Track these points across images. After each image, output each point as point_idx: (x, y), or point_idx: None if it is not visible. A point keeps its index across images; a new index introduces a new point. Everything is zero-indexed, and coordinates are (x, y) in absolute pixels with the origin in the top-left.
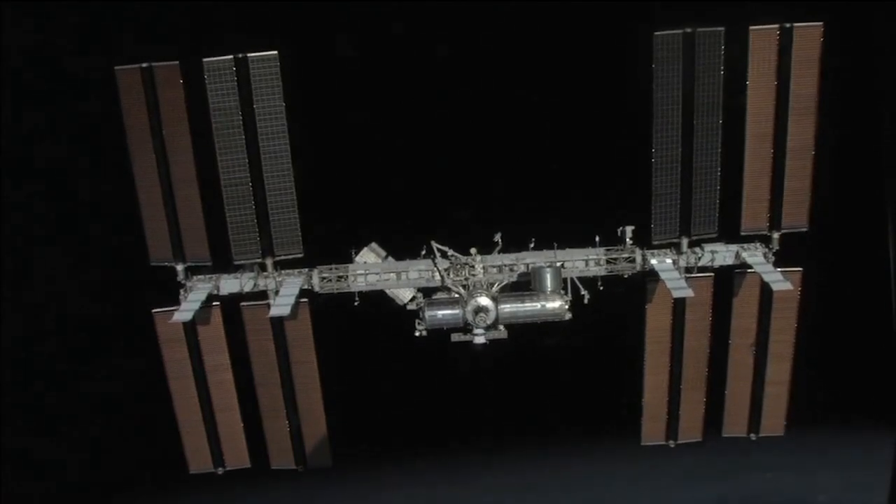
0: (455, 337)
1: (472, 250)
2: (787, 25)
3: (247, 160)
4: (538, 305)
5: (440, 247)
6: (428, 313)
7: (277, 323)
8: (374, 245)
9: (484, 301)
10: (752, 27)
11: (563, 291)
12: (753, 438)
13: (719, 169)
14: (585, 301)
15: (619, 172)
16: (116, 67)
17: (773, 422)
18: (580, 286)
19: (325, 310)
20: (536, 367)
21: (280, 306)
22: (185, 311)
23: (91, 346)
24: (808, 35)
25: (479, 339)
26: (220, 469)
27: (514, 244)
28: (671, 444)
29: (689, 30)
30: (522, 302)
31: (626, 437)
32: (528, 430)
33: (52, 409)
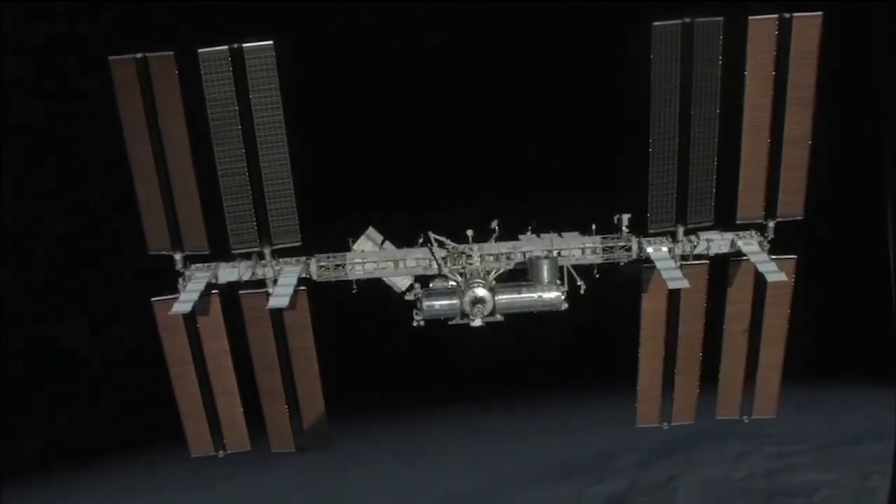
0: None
1: (469, 233)
2: (787, 16)
3: (243, 150)
4: (535, 296)
5: (438, 237)
6: (426, 304)
7: (276, 311)
8: (370, 231)
9: (481, 292)
10: (751, 17)
11: (559, 282)
12: (746, 421)
13: (716, 158)
14: (582, 291)
15: (617, 161)
16: (111, 58)
17: (766, 404)
18: (576, 277)
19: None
20: (533, 351)
21: (279, 297)
22: (185, 302)
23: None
24: (807, 25)
25: (477, 323)
26: (221, 452)
27: (511, 232)
28: (665, 426)
29: (687, 20)
30: (519, 292)
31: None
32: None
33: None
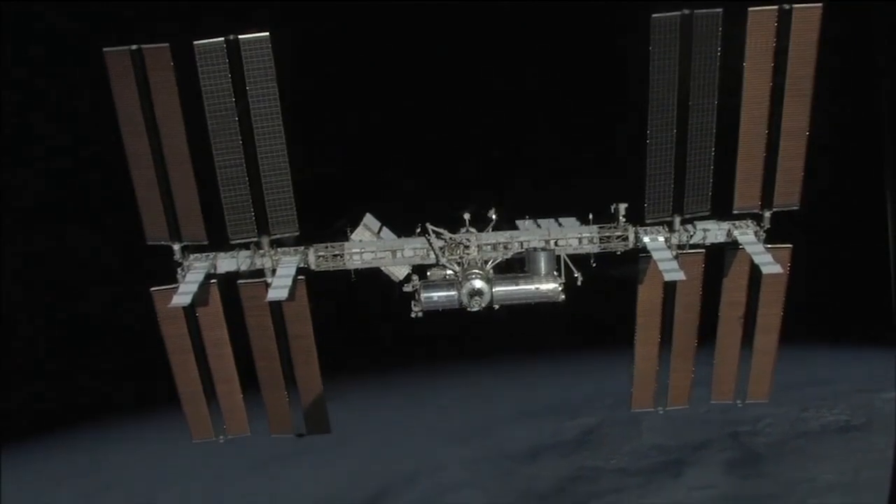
0: None
1: (466, 216)
2: (787, 7)
3: (240, 141)
4: (532, 288)
5: (436, 229)
6: (424, 295)
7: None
8: (367, 218)
9: (479, 284)
10: (750, 8)
11: (556, 273)
12: (740, 405)
13: (713, 149)
14: (579, 283)
15: (614, 150)
16: (105, 49)
17: (759, 388)
18: (573, 268)
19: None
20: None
21: (278, 289)
22: (184, 293)
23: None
24: (807, 16)
25: (474, 308)
26: (222, 438)
27: (509, 220)
28: (660, 410)
29: (686, 12)
30: (517, 284)
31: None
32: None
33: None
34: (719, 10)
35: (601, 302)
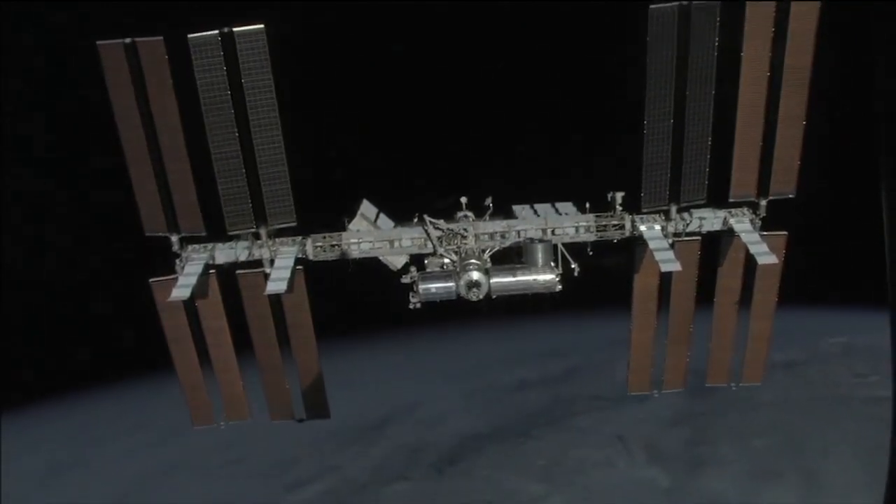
0: None
1: (463, 200)
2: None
3: (237, 134)
4: (530, 279)
5: (433, 220)
6: (422, 287)
7: None
8: (364, 205)
9: (476, 276)
10: (748, 1)
11: (553, 264)
12: (734, 388)
13: (710, 138)
14: (576, 274)
15: (611, 140)
16: (98, 42)
17: (753, 372)
18: (570, 259)
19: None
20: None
21: (276, 281)
22: (183, 286)
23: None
24: (806, 10)
25: (472, 299)
26: (223, 424)
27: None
28: (655, 394)
29: (684, 3)
30: (514, 276)
31: None
32: None
33: None
34: (717, 1)
35: (597, 289)
